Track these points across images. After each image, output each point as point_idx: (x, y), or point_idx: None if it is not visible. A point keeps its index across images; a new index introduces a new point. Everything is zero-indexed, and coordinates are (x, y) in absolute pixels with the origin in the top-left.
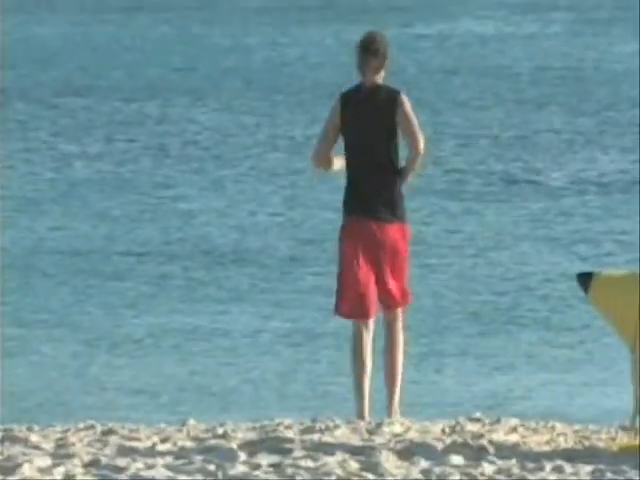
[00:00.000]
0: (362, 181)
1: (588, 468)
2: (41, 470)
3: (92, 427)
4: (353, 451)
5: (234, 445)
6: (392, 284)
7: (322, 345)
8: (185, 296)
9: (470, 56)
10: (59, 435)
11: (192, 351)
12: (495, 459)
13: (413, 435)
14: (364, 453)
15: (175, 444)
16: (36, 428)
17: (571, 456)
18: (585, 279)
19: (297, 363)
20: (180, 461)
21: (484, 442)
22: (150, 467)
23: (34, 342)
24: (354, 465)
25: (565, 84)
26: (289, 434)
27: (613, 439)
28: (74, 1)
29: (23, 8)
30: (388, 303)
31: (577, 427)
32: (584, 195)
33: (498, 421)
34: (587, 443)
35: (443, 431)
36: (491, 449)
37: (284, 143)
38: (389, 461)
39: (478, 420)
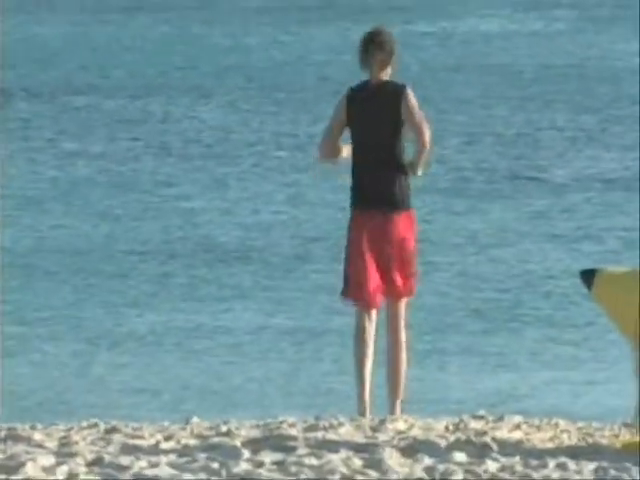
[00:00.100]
0: (368, 175)
1: (591, 465)
2: (44, 469)
3: (95, 425)
4: (357, 448)
5: (238, 443)
6: (396, 274)
7: (326, 343)
8: (188, 294)
9: (473, 54)
10: (62, 434)
11: (195, 349)
12: (498, 456)
13: (416, 432)
14: (368, 450)
15: (179, 442)
16: (39, 427)
17: (574, 453)
18: (588, 276)
19: (301, 361)
20: (184, 459)
21: (487, 439)
22: (154, 465)
23: (36, 341)
24: (358, 462)
25: (568, 81)
26: (293, 432)
27: (616, 436)
28: (75, 1)
29: (24, 8)
30: (391, 292)
31: (580, 424)
32: (587, 192)
33: (501, 418)
34: (590, 440)
35: (446, 428)
36: (494, 446)
37: (287, 141)
38: (392, 458)
39: (481, 417)
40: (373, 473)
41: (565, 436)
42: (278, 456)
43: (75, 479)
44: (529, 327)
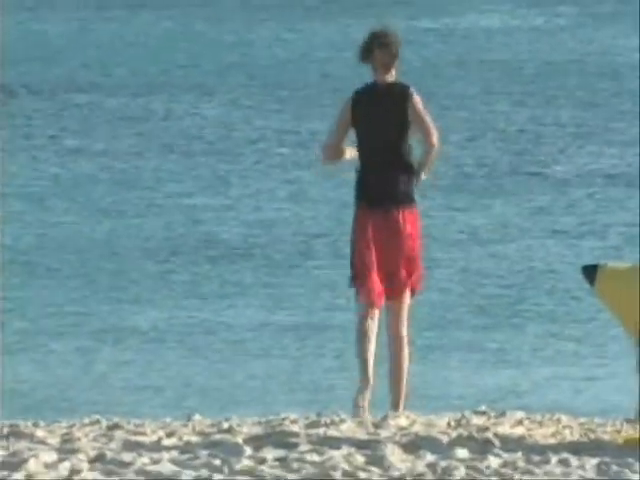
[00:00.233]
0: (374, 175)
1: (593, 461)
2: (47, 465)
3: (97, 422)
4: (359, 445)
5: (240, 440)
6: (400, 271)
7: (328, 339)
8: (190, 291)
9: (475, 50)
10: (65, 430)
11: (197, 346)
12: (501, 452)
13: (418, 428)
14: (370, 447)
15: (181, 439)
16: (42, 423)
17: (577, 449)
18: (591, 271)
19: (303, 357)
20: (186, 456)
21: (490, 435)
22: (156, 462)
23: (39, 338)
24: (360, 459)
25: (569, 77)
26: (295, 428)
27: (618, 432)
28: None
29: (25, 5)
30: (394, 288)
31: (582, 420)
32: (589, 188)
33: (503, 414)
34: (592, 436)
35: (448, 424)
36: (497, 442)
37: (289, 138)
38: (394, 455)
39: (483, 413)
40: (375, 469)
41: (567, 432)
42: (280, 453)
43: (77, 475)
44: (531, 323)
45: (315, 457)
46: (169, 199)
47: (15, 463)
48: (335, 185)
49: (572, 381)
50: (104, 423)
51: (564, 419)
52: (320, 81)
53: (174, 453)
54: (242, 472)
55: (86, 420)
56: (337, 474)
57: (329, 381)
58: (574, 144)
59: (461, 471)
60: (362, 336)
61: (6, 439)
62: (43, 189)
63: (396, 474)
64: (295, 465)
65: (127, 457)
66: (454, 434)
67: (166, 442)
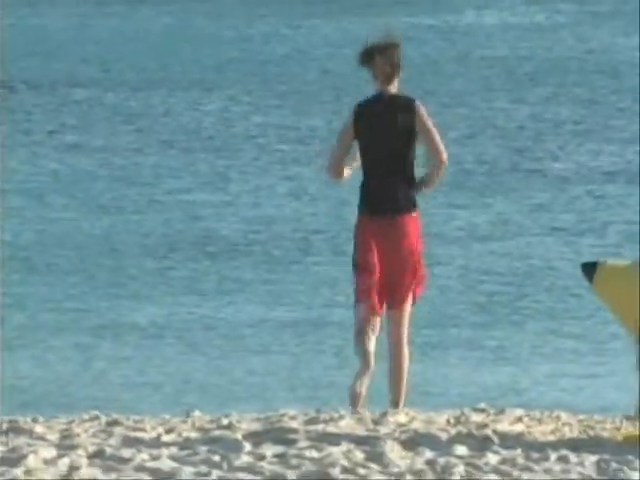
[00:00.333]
0: (377, 185)
1: (593, 458)
2: (46, 461)
3: (97, 418)
4: (358, 441)
5: (239, 436)
6: (401, 279)
7: (327, 336)
8: (189, 287)
9: (475, 47)
10: (64, 426)
11: (197, 342)
12: (500, 449)
13: (418, 425)
14: (369, 443)
15: (180, 435)
16: (41, 419)
17: (576, 446)
18: (590, 269)
19: (302, 354)
20: (185, 452)
21: (489, 432)
22: (155, 458)
23: (38, 333)
24: (359, 455)
25: (569, 75)
26: (294, 425)
27: (618, 429)
28: None
29: (25, 1)
30: (395, 297)
31: (582, 417)
32: (589, 185)
33: (503, 411)
34: (592, 433)
35: (448, 421)
36: (496, 439)
37: (288, 134)
38: (394, 451)
39: (483, 410)
40: (374, 466)
41: (566, 429)
42: (279, 449)
43: (76, 471)
44: (530, 320)
45: (314, 453)
46: (168, 195)
47: (14, 459)
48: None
49: (571, 378)
50: (103, 419)
51: (563, 416)
52: (320, 77)
53: (173, 449)
54: (241, 468)
55: (85, 416)
56: (336, 470)
57: (328, 377)
58: (574, 141)
59: (460, 468)
60: (361, 335)
61: (5, 435)
62: (42, 185)
63: (395, 470)
64: (294, 461)
65: (126, 453)
66: (453, 431)
67: (165, 438)
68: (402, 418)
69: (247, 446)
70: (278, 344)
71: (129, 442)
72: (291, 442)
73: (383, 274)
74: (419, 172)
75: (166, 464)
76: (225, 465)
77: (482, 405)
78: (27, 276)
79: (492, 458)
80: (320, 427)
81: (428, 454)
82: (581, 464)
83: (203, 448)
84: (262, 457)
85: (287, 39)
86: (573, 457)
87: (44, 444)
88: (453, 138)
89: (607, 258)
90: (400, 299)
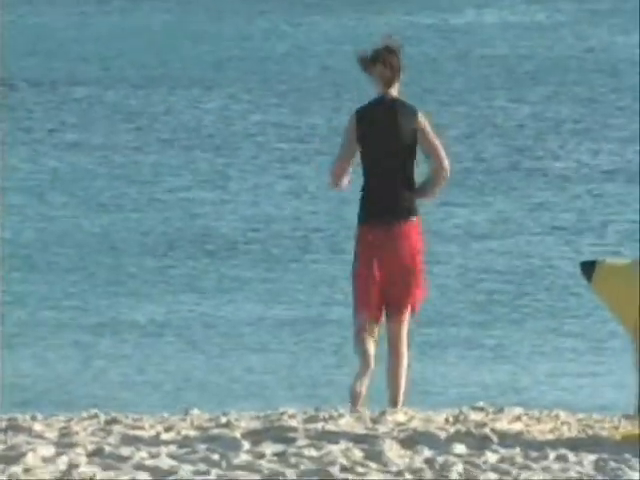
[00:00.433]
0: (377, 191)
1: (591, 457)
2: (45, 459)
3: (96, 416)
4: (357, 440)
5: (238, 434)
6: (401, 288)
7: (326, 334)
8: (189, 285)
9: (474, 45)
10: (63, 424)
11: (196, 340)
12: (498, 448)
13: (416, 424)
14: (367, 442)
15: (179, 433)
16: (40, 417)
17: (574, 445)
18: (589, 268)
19: (301, 352)
20: (184, 450)
21: (487, 431)
22: (154, 456)
23: (38, 331)
24: (358, 454)
25: (569, 73)
26: (293, 423)
27: (616, 428)
28: None
29: None
30: (394, 307)
31: (581, 416)
32: (588, 184)
33: (501, 410)
34: (590, 432)
35: (446, 420)
36: (494, 438)
37: (288, 133)
38: (392, 450)
39: (481, 409)
40: (373, 464)
41: (565, 428)
42: (278, 447)
43: (75, 470)
44: (529, 319)
45: (313, 452)
46: (168, 193)
47: (13, 457)
48: None
49: (570, 377)
50: (102, 417)
51: (562, 415)
52: (319, 75)
53: (172, 447)
54: (240, 466)
55: (84, 414)
56: (335, 469)
57: (327, 376)
58: (573, 140)
59: (459, 467)
60: (360, 335)
61: (4, 433)
62: (42, 183)
63: (394, 469)
64: (293, 460)
65: (125, 451)
66: (452, 430)
67: (164, 436)
68: (401, 417)
69: (246, 444)
70: (277, 342)
71: (128, 440)
72: (290, 440)
73: (383, 285)
74: (419, 176)
75: (165, 462)
76: (224, 463)
77: (481, 404)
78: (27, 274)
79: (491, 457)
80: (319, 425)
81: (427, 453)
82: (580, 463)
83: (202, 446)
84: (261, 455)
85: (287, 36)
86: (572, 456)
87: (43, 442)
88: (453, 137)
89: (606, 257)
90: (398, 312)
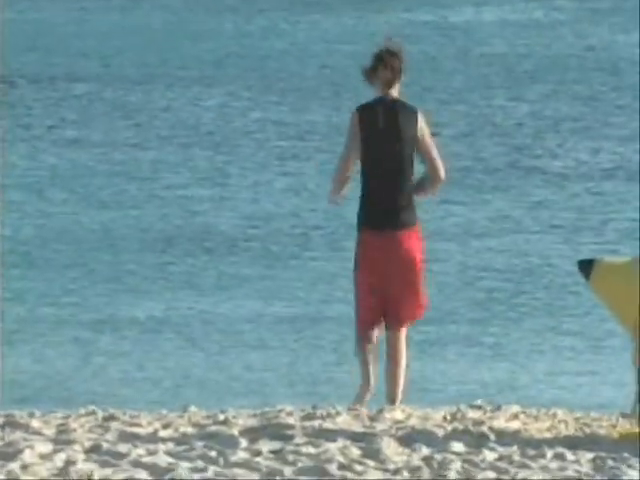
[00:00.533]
0: (377, 196)
1: (589, 455)
2: (42, 456)
3: (93, 413)
4: (354, 437)
5: (235, 431)
6: (399, 300)
7: (325, 331)
8: (188, 282)
9: (474, 44)
10: (60, 421)
11: (195, 337)
12: (496, 446)
13: (414, 422)
14: (365, 439)
15: (176, 430)
16: (37, 414)
17: (572, 443)
18: (587, 266)
19: (300, 349)
20: (181, 447)
21: (485, 429)
22: (151, 453)
23: (37, 328)
24: (355, 451)
25: (568, 72)
26: (290, 421)
27: (614, 426)
28: None
29: None
30: (391, 318)
31: (578, 414)
32: (587, 182)
33: (499, 408)
34: (588, 430)
35: (444, 418)
36: (492, 436)
37: (287, 130)
38: (390, 448)
39: (479, 407)
40: (371, 462)
41: (563, 426)
42: (276, 445)
43: (73, 466)
44: (528, 317)
45: (311, 449)
46: (167, 190)
47: (10, 453)
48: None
49: (569, 375)
50: (100, 414)
51: (560, 413)
52: (319, 73)
53: (170, 444)
54: (238, 464)
55: (82, 411)
56: (333, 466)
57: (327, 373)
58: (573, 139)
59: (456, 464)
60: (362, 342)
61: (1, 429)
62: (42, 179)
63: (391, 467)
64: (290, 457)
65: (123, 448)
66: (450, 428)
67: (162, 433)
68: (398, 415)
69: (243, 442)
70: (276, 339)
71: (125, 437)
72: (288, 438)
73: (383, 293)
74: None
75: (162, 459)
76: (221, 461)
77: (479, 402)
78: (26, 270)
79: (488, 455)
80: (317, 423)
81: (424, 450)
82: (577, 461)
83: (199, 444)
84: (258, 453)
85: (286, 34)
86: (569, 454)
87: (40, 439)
88: (451, 135)
89: (604, 255)
90: (397, 321)
